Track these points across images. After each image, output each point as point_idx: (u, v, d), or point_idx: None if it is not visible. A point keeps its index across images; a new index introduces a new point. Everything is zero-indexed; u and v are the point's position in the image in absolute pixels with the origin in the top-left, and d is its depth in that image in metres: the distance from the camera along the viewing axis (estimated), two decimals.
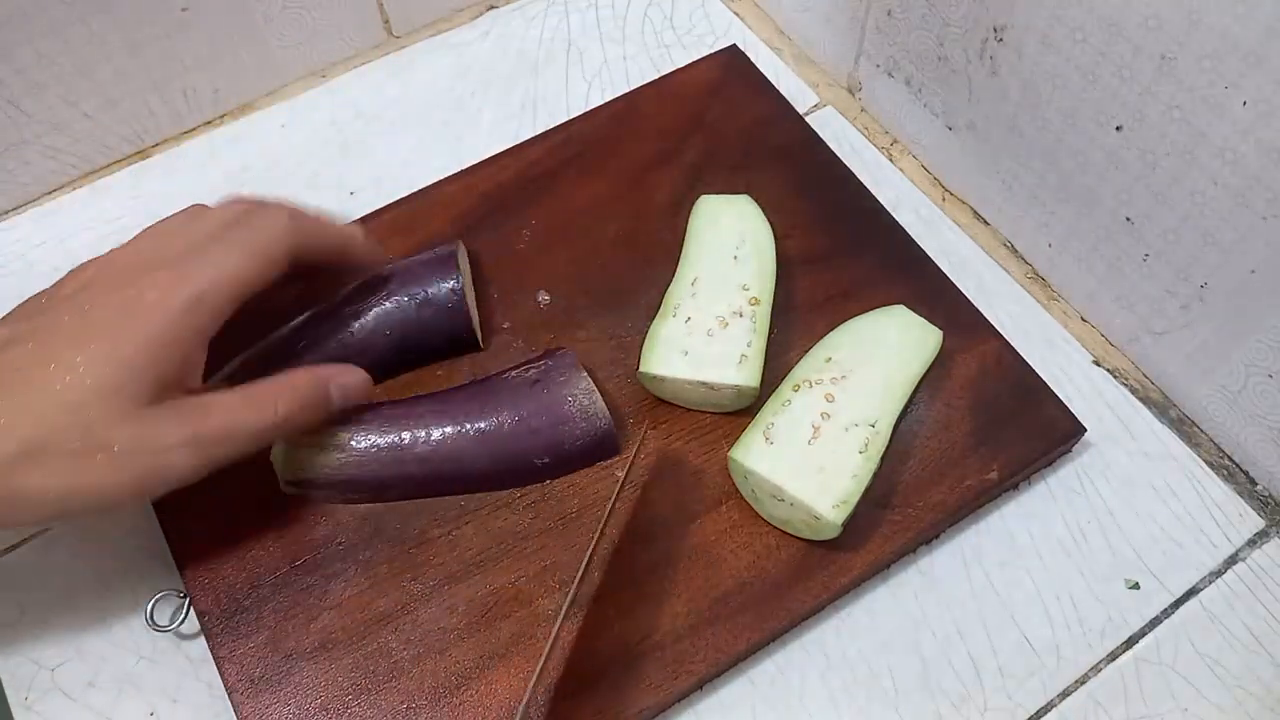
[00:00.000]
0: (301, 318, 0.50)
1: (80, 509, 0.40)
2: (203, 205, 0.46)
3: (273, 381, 0.44)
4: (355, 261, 0.48)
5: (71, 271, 0.43)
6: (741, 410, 0.50)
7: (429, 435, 0.46)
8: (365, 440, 0.46)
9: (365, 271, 0.50)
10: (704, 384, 0.48)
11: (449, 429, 0.47)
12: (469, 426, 0.47)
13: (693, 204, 0.56)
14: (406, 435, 0.46)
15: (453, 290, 0.50)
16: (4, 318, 0.43)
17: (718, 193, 0.55)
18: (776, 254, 0.52)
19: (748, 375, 0.47)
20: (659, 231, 0.56)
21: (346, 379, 0.46)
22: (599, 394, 0.47)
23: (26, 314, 0.42)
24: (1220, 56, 0.41)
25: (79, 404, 0.38)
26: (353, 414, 0.47)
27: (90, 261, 0.43)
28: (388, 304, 0.50)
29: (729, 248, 0.51)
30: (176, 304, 0.40)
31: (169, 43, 0.58)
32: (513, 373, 0.49)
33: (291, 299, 0.50)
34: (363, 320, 0.49)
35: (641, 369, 0.49)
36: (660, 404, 0.51)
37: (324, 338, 0.49)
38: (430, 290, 0.50)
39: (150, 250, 0.43)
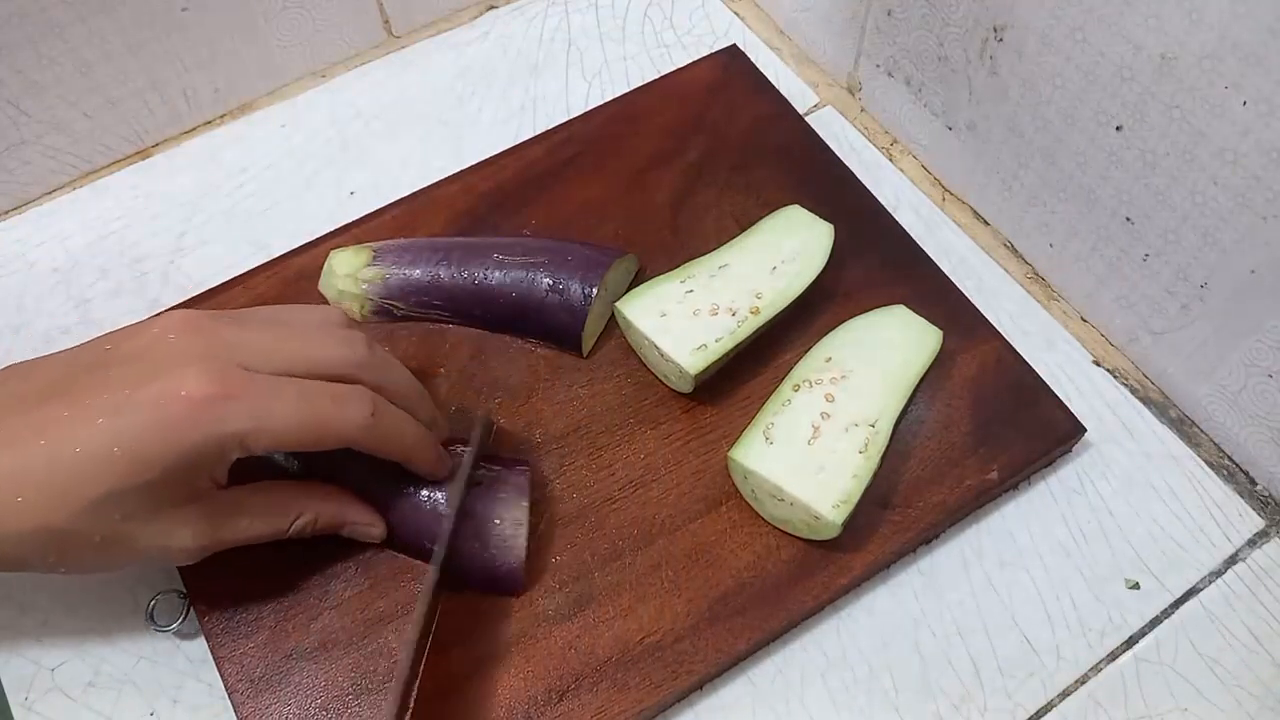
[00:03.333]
0: (454, 239, 0.53)
1: (78, 572, 0.41)
2: (326, 315, 0.44)
3: (298, 497, 0.44)
4: (413, 470, 0.45)
5: (153, 320, 0.41)
6: (691, 399, 0.50)
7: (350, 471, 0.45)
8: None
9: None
10: (657, 347, 0.48)
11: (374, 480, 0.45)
12: (406, 485, 0.45)
13: (692, 204, 0.57)
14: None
15: (584, 294, 0.50)
16: (63, 353, 0.41)
17: (718, 192, 0.55)
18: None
19: (693, 361, 0.48)
20: (659, 231, 0.56)
21: (365, 531, 0.45)
22: (525, 530, 0.45)
23: (86, 357, 0.40)
24: (1220, 56, 0.41)
25: (104, 499, 0.37)
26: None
27: (176, 317, 0.41)
28: (526, 272, 0.50)
29: (776, 258, 0.51)
30: (226, 430, 0.38)
31: (169, 43, 0.58)
32: (480, 465, 0.47)
33: None
34: (498, 272, 0.51)
35: (619, 304, 0.50)
36: (660, 404, 0.51)
37: (465, 262, 0.52)
38: (568, 282, 0.50)
39: (240, 341, 0.40)
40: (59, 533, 0.37)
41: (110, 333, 0.42)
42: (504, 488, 0.46)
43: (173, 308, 0.52)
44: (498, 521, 0.45)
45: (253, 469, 0.42)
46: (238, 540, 0.42)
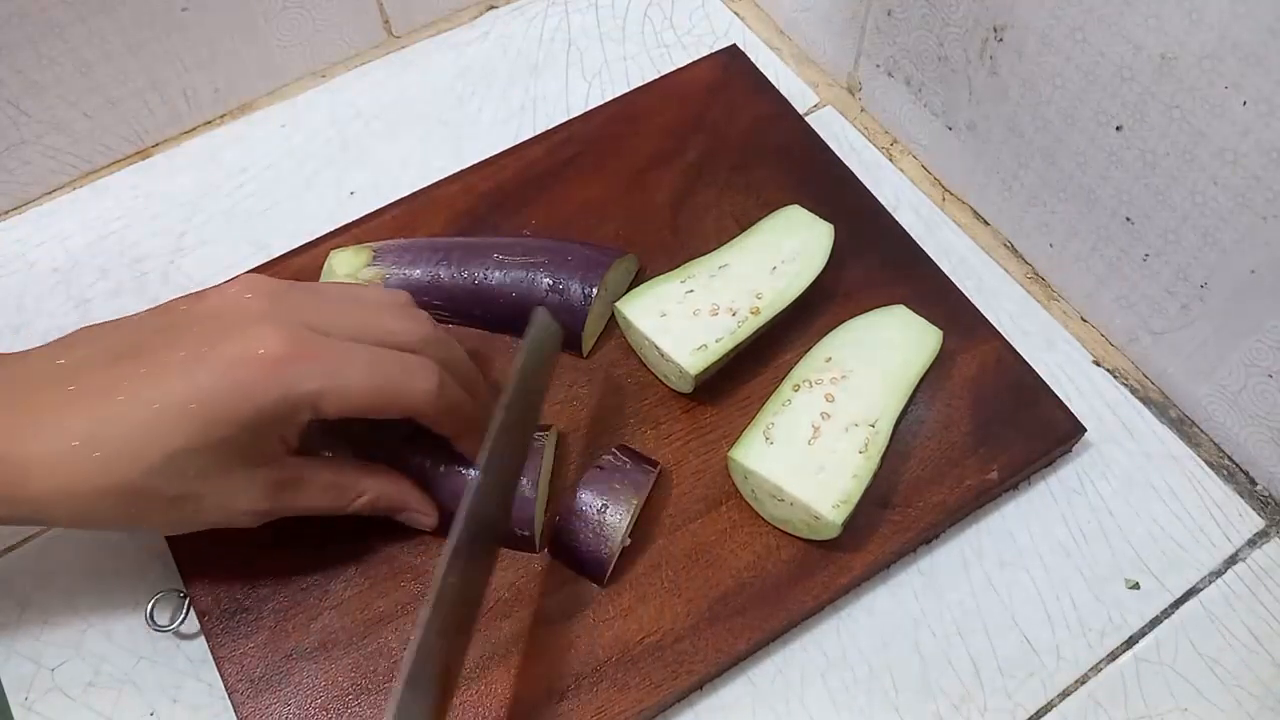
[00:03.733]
0: (454, 239, 0.53)
1: (149, 530, 0.41)
2: (392, 295, 0.45)
3: (362, 476, 0.44)
4: (461, 449, 0.45)
5: (229, 283, 0.42)
6: (691, 399, 0.50)
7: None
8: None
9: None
10: (657, 347, 0.48)
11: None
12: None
13: (692, 204, 0.57)
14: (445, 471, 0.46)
15: (584, 294, 0.50)
16: (140, 314, 0.42)
17: (718, 192, 0.55)
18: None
19: (693, 361, 0.48)
20: (659, 231, 0.56)
21: (418, 519, 0.46)
22: (626, 525, 0.45)
23: (159, 319, 0.41)
24: (1220, 56, 0.41)
25: (178, 455, 0.38)
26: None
27: (252, 279, 0.42)
28: (526, 272, 0.50)
29: (776, 258, 0.51)
30: (300, 390, 0.38)
31: (169, 43, 0.58)
32: (611, 452, 0.47)
33: None
34: (498, 272, 0.51)
35: (619, 304, 0.50)
36: (660, 404, 0.51)
37: (465, 262, 0.51)
38: (568, 282, 0.50)
39: (313, 307, 0.41)
40: (133, 489, 0.38)
41: (185, 295, 0.43)
42: (623, 480, 0.46)
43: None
44: (604, 509, 0.45)
45: (316, 447, 0.43)
46: (300, 509, 0.43)
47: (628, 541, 0.46)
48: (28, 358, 0.40)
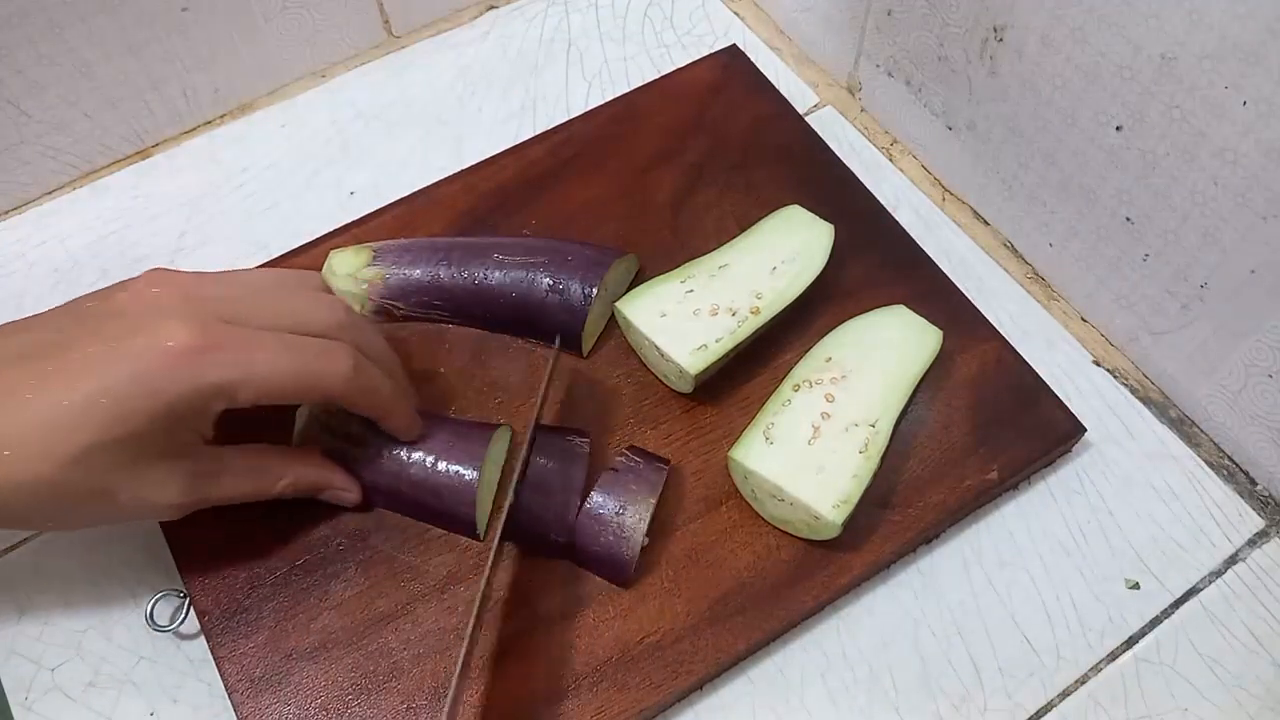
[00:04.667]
0: (454, 239, 0.53)
1: (62, 529, 0.41)
2: (304, 279, 0.45)
3: (281, 459, 0.45)
4: (387, 428, 0.46)
5: (136, 279, 0.41)
6: (691, 399, 0.50)
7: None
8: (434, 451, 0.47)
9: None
10: (657, 347, 0.48)
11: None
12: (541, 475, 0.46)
13: (692, 204, 0.57)
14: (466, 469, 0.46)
15: (584, 294, 0.50)
16: (47, 312, 0.42)
17: (718, 192, 0.55)
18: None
19: (693, 361, 0.48)
20: (659, 231, 0.56)
21: (342, 496, 0.47)
22: (645, 524, 0.45)
23: (65, 317, 0.41)
24: (1220, 56, 0.41)
25: (89, 450, 0.38)
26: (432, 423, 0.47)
27: (160, 274, 0.42)
28: (526, 272, 0.51)
29: (775, 258, 0.51)
30: (209, 381, 0.39)
31: (169, 43, 0.58)
32: (623, 453, 0.47)
33: None
34: (498, 272, 0.51)
35: (619, 304, 0.50)
36: (660, 404, 0.51)
37: (465, 262, 0.51)
38: (568, 282, 0.50)
39: (223, 298, 0.41)
40: (47, 484, 0.38)
41: (91, 292, 0.43)
42: (639, 480, 0.46)
43: None
44: (622, 511, 0.45)
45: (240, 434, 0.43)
46: (221, 499, 0.43)
47: (646, 541, 0.46)
48: None
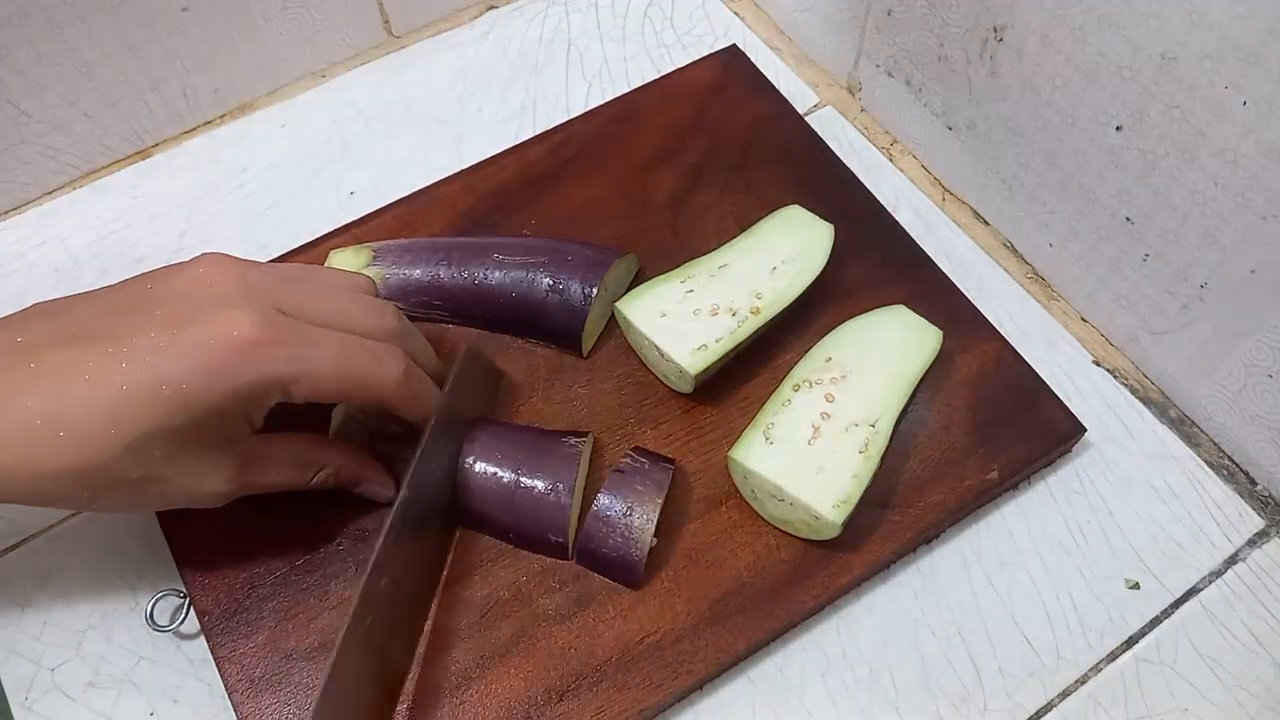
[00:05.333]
0: (454, 239, 0.53)
1: (107, 511, 0.40)
2: (351, 279, 0.45)
3: (323, 450, 0.45)
4: (408, 420, 0.45)
5: (194, 262, 0.41)
6: (691, 399, 0.50)
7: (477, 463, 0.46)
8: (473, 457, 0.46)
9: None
10: (657, 347, 0.48)
11: (492, 468, 0.46)
12: (522, 476, 0.46)
13: (693, 204, 0.57)
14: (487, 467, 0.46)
15: (584, 294, 0.50)
16: (95, 292, 0.41)
17: (718, 192, 0.55)
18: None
19: (693, 361, 0.48)
20: (659, 231, 0.56)
21: (377, 491, 0.47)
22: (653, 525, 0.45)
23: (121, 298, 0.41)
24: (1220, 56, 0.41)
25: (147, 437, 0.37)
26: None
27: (218, 259, 0.41)
28: (526, 272, 0.51)
29: (775, 258, 0.51)
30: (272, 374, 0.39)
31: (169, 43, 0.58)
32: (629, 455, 0.47)
33: None
34: (498, 272, 0.51)
35: (619, 304, 0.50)
36: (660, 404, 0.51)
37: (465, 262, 0.51)
38: (568, 282, 0.50)
39: (281, 290, 0.41)
40: (97, 470, 0.38)
41: (150, 271, 0.42)
42: (645, 481, 0.46)
43: None
44: (630, 512, 0.45)
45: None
46: (265, 486, 0.43)
47: (654, 541, 0.46)
48: None
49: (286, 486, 0.44)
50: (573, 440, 0.47)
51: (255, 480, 0.43)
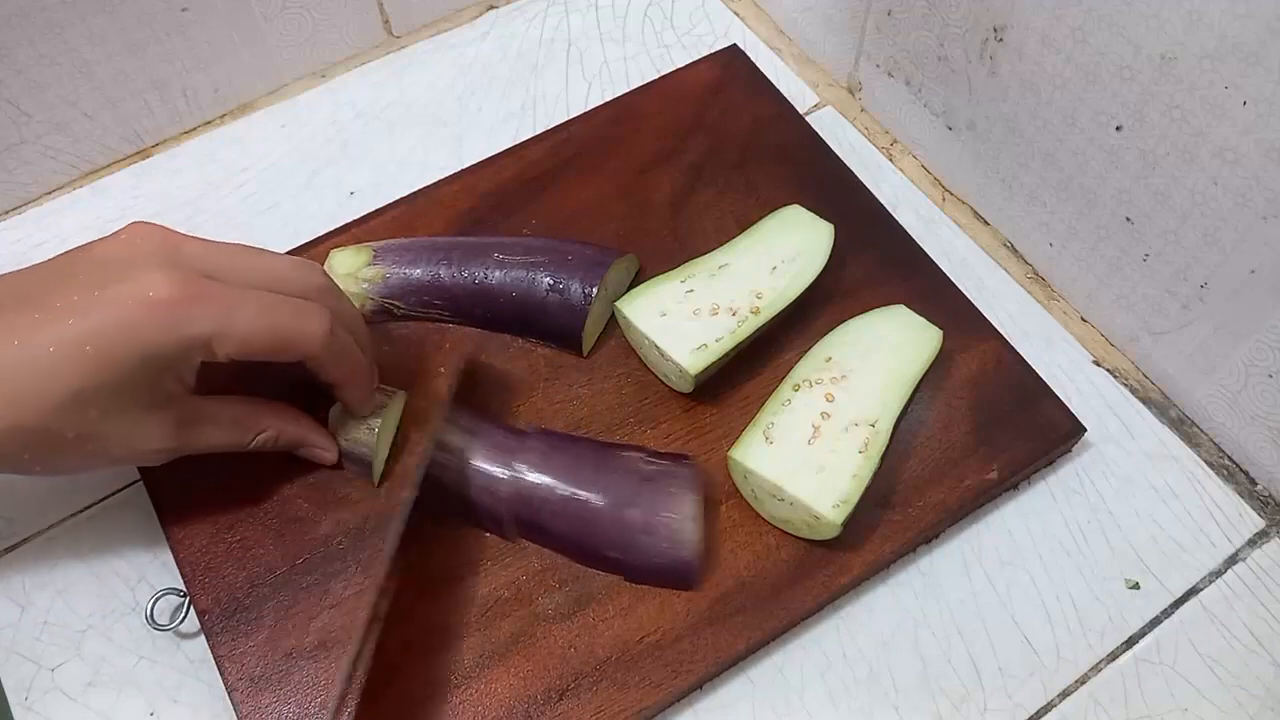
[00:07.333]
0: (454, 239, 0.54)
1: (50, 474, 0.42)
2: (277, 259, 0.45)
3: (264, 412, 0.46)
4: (343, 397, 0.47)
5: (118, 231, 0.42)
6: (691, 399, 0.50)
7: (523, 475, 0.46)
8: (472, 457, 0.47)
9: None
10: (657, 347, 0.48)
11: (546, 479, 0.46)
12: (566, 486, 0.46)
13: (693, 204, 0.57)
14: (501, 470, 0.46)
15: (584, 294, 0.50)
16: (33, 265, 0.42)
17: (718, 192, 0.55)
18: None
19: (693, 361, 0.48)
20: (659, 231, 0.56)
21: (319, 454, 0.48)
22: (698, 524, 0.45)
23: (46, 269, 0.42)
24: (1220, 56, 0.41)
25: (77, 394, 0.38)
26: (463, 421, 0.47)
27: (142, 227, 0.42)
28: (526, 272, 0.51)
29: (775, 258, 0.51)
30: (191, 332, 0.39)
31: (169, 43, 0.58)
32: (634, 454, 0.47)
33: None
34: (498, 271, 0.51)
35: (619, 304, 0.50)
36: (660, 404, 0.51)
37: (465, 261, 0.52)
38: (568, 282, 0.50)
39: (205, 253, 0.42)
40: (33, 430, 0.39)
41: (72, 248, 0.43)
42: (672, 482, 0.46)
43: None
44: (667, 515, 0.45)
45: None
46: (204, 447, 0.44)
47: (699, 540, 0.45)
48: None
49: (226, 447, 0.45)
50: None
51: (194, 441, 0.43)
